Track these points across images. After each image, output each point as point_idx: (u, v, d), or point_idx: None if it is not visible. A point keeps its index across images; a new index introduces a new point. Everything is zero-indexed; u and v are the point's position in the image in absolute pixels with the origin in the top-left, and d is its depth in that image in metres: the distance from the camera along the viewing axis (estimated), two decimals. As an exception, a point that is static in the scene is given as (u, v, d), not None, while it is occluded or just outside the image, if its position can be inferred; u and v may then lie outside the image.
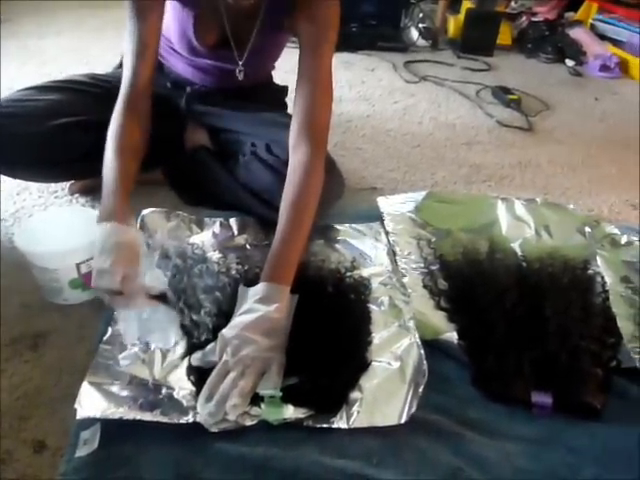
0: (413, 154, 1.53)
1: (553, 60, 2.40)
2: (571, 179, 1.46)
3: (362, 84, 1.99)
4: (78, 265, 0.89)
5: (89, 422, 0.70)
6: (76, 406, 0.70)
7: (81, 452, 0.68)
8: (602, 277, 1.01)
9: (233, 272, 0.94)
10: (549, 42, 2.44)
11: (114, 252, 0.79)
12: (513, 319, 0.88)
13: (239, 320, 0.78)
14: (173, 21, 1.07)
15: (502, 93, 1.91)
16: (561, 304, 0.92)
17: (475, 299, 0.92)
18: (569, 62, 2.37)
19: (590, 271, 1.03)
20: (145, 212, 1.08)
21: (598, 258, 1.06)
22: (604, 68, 2.29)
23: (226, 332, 0.77)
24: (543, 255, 1.04)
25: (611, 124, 1.84)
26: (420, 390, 0.76)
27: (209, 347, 0.77)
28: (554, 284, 0.97)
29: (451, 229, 1.13)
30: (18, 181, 1.21)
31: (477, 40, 2.40)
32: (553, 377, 0.80)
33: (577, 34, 2.47)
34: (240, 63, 1.10)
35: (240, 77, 1.12)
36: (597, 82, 2.24)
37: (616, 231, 1.16)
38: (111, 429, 0.70)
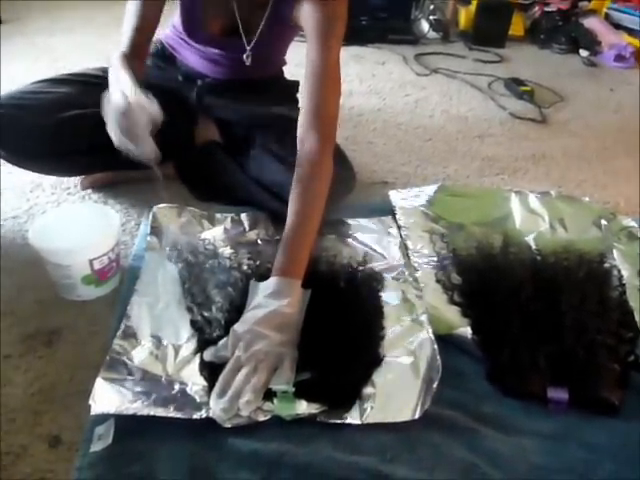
0: (425, 147, 1.51)
1: (567, 50, 2.37)
2: (586, 171, 1.44)
3: (373, 77, 1.98)
4: (91, 261, 0.89)
5: (103, 417, 0.71)
6: (90, 402, 0.71)
7: (96, 447, 0.68)
8: (619, 271, 0.99)
9: (245, 267, 0.94)
10: (562, 32, 2.40)
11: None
12: (528, 313, 0.87)
13: (251, 315, 0.78)
14: (183, 8, 1.08)
15: (515, 85, 1.89)
16: (577, 298, 0.90)
17: (489, 293, 0.91)
18: (583, 52, 2.33)
19: (606, 265, 1.01)
20: (156, 208, 1.08)
21: (614, 251, 1.04)
22: (619, 58, 2.25)
23: (238, 327, 0.77)
24: (558, 249, 1.03)
25: (626, 115, 1.81)
26: (434, 385, 0.76)
27: (221, 342, 0.77)
28: (569, 278, 0.95)
29: (464, 223, 1.12)
30: (31, 178, 1.22)
31: (489, 31, 2.37)
32: (569, 372, 0.79)
33: (591, 24, 2.43)
34: (248, 49, 1.10)
35: (248, 62, 1.11)
36: (612, 72, 2.20)
37: (633, 224, 1.14)
38: (125, 424, 0.70)
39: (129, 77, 0.90)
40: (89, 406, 0.70)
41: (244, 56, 1.11)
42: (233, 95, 1.21)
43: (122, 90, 0.86)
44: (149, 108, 0.86)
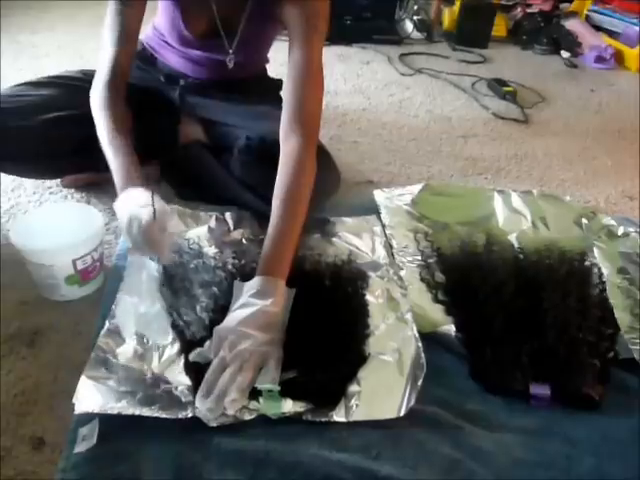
0: (409, 147, 1.52)
1: (548, 52, 2.40)
2: (567, 171, 1.46)
3: (357, 77, 1.98)
4: (74, 261, 0.89)
5: (87, 418, 0.70)
6: (74, 401, 0.70)
7: (80, 448, 0.68)
8: (599, 268, 1.01)
9: (229, 267, 0.93)
10: (544, 33, 2.43)
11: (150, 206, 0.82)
12: (511, 311, 0.88)
13: (235, 315, 0.78)
14: (163, 11, 1.07)
15: (498, 85, 1.91)
16: (558, 296, 0.92)
17: (473, 292, 0.92)
18: (564, 53, 2.36)
19: (587, 263, 1.03)
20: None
21: (595, 250, 1.06)
22: (599, 59, 2.29)
23: (222, 327, 0.76)
24: (540, 247, 1.05)
25: (607, 115, 1.85)
26: (419, 383, 0.76)
27: (207, 343, 0.77)
28: (551, 276, 0.97)
29: (448, 222, 1.13)
30: (12, 177, 1.21)
31: (472, 32, 2.39)
32: (551, 369, 0.80)
33: (572, 25, 2.46)
34: (230, 51, 1.10)
35: (230, 65, 1.11)
36: (593, 73, 2.24)
37: (613, 222, 1.16)
38: (110, 424, 0.70)
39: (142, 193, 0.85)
40: (73, 407, 0.70)
41: (227, 59, 1.11)
42: (216, 95, 1.20)
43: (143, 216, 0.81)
44: (169, 226, 0.85)
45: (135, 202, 0.83)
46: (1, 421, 0.72)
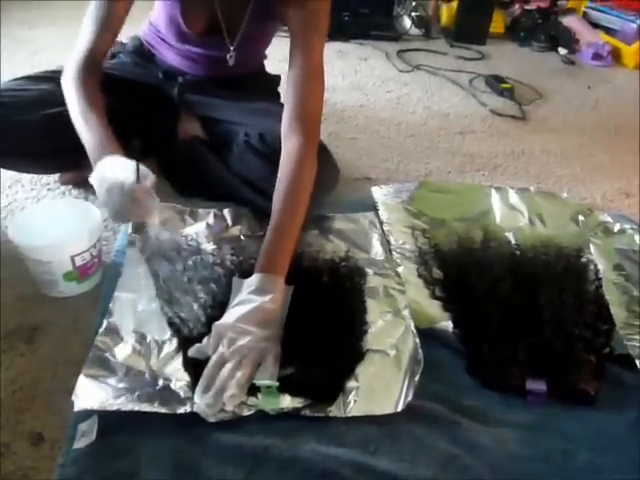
0: (407, 144, 1.52)
1: (546, 48, 2.40)
2: (564, 168, 1.47)
3: (355, 73, 1.98)
4: (73, 258, 0.89)
5: (87, 414, 0.70)
6: (73, 398, 0.70)
7: (79, 444, 0.68)
8: (595, 265, 1.02)
9: (228, 263, 0.94)
10: (542, 30, 2.43)
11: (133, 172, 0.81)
12: (507, 307, 0.89)
13: (234, 311, 0.78)
14: (161, 7, 1.06)
15: (495, 82, 1.91)
16: (555, 292, 0.92)
17: (470, 288, 0.93)
18: (562, 50, 2.36)
19: (583, 259, 1.04)
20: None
21: (591, 246, 1.07)
22: (597, 56, 2.29)
23: (221, 324, 0.77)
24: (537, 244, 1.05)
25: (604, 112, 1.85)
26: (416, 378, 0.77)
27: (205, 339, 0.77)
28: (548, 272, 0.98)
29: (445, 218, 1.13)
30: (10, 174, 1.20)
31: (470, 28, 2.39)
32: (547, 364, 0.81)
33: (570, 22, 2.46)
34: (231, 49, 1.10)
35: (231, 62, 1.11)
36: (590, 70, 2.24)
37: (609, 219, 1.16)
38: (109, 421, 0.70)
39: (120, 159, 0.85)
40: (72, 403, 0.70)
41: (227, 56, 1.10)
42: (215, 91, 1.20)
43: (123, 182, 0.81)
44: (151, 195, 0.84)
45: (113, 169, 0.82)
46: (0, 417, 0.73)
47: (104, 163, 0.84)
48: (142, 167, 0.83)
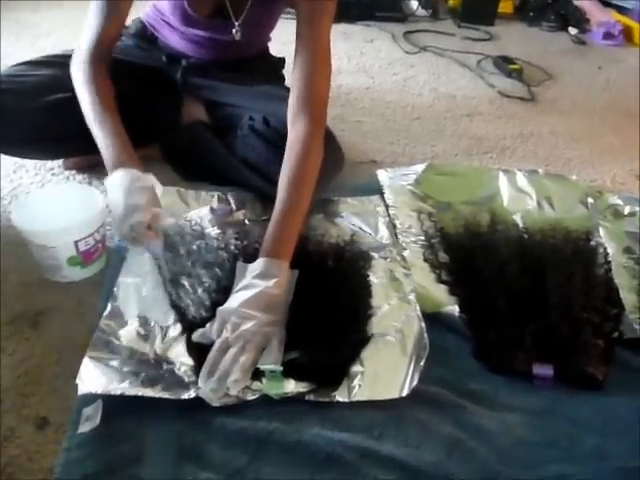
0: (413, 126, 1.50)
1: (556, 28, 2.36)
2: (573, 150, 1.44)
3: (361, 55, 1.96)
4: (76, 242, 0.88)
5: (91, 398, 0.70)
6: (77, 382, 0.70)
7: (84, 428, 0.68)
8: (604, 248, 1.00)
9: (232, 248, 0.93)
10: (552, 10, 2.39)
11: (143, 192, 0.83)
12: (515, 291, 0.88)
13: (238, 296, 0.77)
14: None
15: (504, 63, 1.88)
16: (563, 276, 0.91)
17: (476, 272, 0.92)
18: (572, 30, 2.32)
19: (592, 242, 1.02)
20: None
21: (600, 229, 1.05)
22: (608, 36, 2.25)
23: (225, 308, 0.76)
24: (545, 227, 1.04)
25: (614, 93, 1.82)
26: (421, 363, 0.76)
27: (209, 324, 0.76)
28: (556, 256, 0.96)
29: (452, 202, 1.12)
30: (14, 159, 1.20)
31: (478, 9, 2.35)
32: (555, 349, 0.80)
33: (580, 1, 2.41)
34: (234, 30, 1.08)
35: (237, 37, 1.09)
36: (601, 50, 2.20)
37: (619, 202, 1.14)
38: (113, 405, 0.70)
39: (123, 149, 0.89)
40: (76, 388, 0.70)
41: (233, 35, 1.08)
42: (219, 75, 1.19)
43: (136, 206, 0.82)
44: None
45: (134, 188, 0.83)
46: (5, 401, 0.73)
47: (119, 175, 0.85)
48: (153, 180, 0.86)
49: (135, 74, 1.13)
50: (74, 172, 1.19)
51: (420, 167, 1.22)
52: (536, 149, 1.43)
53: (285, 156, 0.92)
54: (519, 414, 0.75)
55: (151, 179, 0.87)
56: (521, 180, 1.20)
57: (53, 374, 0.77)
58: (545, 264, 0.93)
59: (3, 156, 1.17)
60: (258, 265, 0.81)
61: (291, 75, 0.97)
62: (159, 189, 0.87)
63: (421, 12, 2.39)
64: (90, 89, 0.94)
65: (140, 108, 1.11)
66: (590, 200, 1.14)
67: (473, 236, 1.01)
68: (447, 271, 0.94)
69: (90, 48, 0.97)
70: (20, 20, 2.02)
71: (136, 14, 1.23)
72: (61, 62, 1.09)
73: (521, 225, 1.06)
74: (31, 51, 1.66)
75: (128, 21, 1.23)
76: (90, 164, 1.19)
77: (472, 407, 0.74)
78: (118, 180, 0.85)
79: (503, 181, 1.20)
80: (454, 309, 0.87)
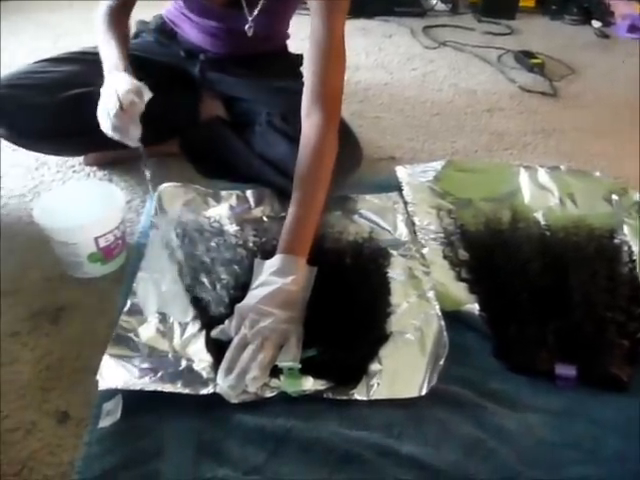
0: (432, 122, 1.49)
1: (579, 22, 2.31)
2: (597, 145, 1.41)
3: (379, 51, 1.94)
4: (97, 239, 0.89)
5: (111, 393, 0.71)
6: (98, 378, 0.71)
7: (104, 423, 0.69)
8: (629, 246, 0.98)
9: (250, 245, 0.93)
10: (574, 3, 2.34)
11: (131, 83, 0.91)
12: (536, 289, 0.86)
13: (255, 293, 0.78)
14: None
15: (525, 57, 1.85)
16: (586, 274, 0.89)
17: (497, 270, 0.91)
18: (595, 23, 2.27)
19: (617, 240, 1.00)
20: (161, 187, 1.08)
21: (625, 227, 1.03)
22: (632, 29, 2.20)
23: (243, 305, 0.76)
24: (568, 224, 1.02)
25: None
26: (441, 362, 0.76)
27: (227, 321, 0.77)
28: (579, 254, 0.94)
29: (472, 198, 1.10)
30: (36, 156, 1.21)
31: (499, 2, 2.32)
32: (578, 348, 0.79)
33: (604, -7, 2.37)
34: (250, 18, 1.08)
35: (249, 33, 1.09)
36: (625, 44, 2.15)
37: (644, 199, 1.12)
38: (133, 400, 0.70)
39: (120, 58, 0.98)
40: (96, 382, 0.71)
41: (246, 27, 1.08)
42: (236, 70, 1.19)
43: (115, 90, 0.90)
44: (140, 104, 0.90)
45: (116, 86, 0.90)
46: (27, 396, 0.74)
47: (111, 78, 0.94)
48: (141, 86, 0.92)
49: (154, 71, 1.13)
50: (95, 169, 1.20)
51: (439, 163, 1.21)
52: (558, 145, 1.41)
53: (299, 152, 0.91)
54: (541, 415, 0.73)
55: (140, 85, 0.92)
56: (543, 176, 1.18)
57: (73, 369, 0.78)
58: (567, 262, 0.92)
59: (26, 154, 1.19)
60: (275, 262, 0.81)
61: (305, 70, 0.97)
62: (147, 94, 0.92)
63: (440, 6, 2.36)
64: (105, 27, 1.04)
65: (159, 105, 1.12)
66: (614, 197, 1.12)
67: (494, 233, 0.99)
68: (467, 269, 0.93)
69: (112, 3, 1.05)
70: (38, 21, 2.04)
71: (157, 12, 1.24)
72: (81, 58, 1.11)
73: (543, 222, 1.04)
74: (53, 50, 1.67)
75: (149, 17, 1.25)
76: (110, 161, 1.20)
77: (493, 407, 0.73)
78: (112, 80, 0.93)
79: (524, 177, 1.18)
80: (474, 307, 0.85)
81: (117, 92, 0.88)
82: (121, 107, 0.87)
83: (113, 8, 1.06)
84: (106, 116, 0.89)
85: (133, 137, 0.91)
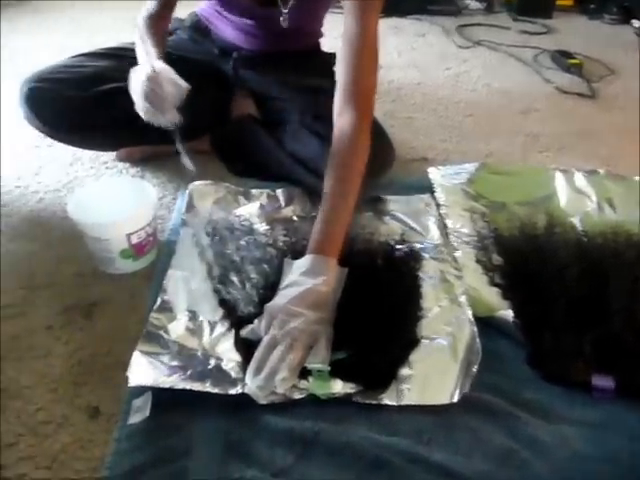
0: (466, 123, 1.46)
1: (618, 21, 2.25)
2: (637, 149, 1.37)
3: (412, 50, 1.92)
4: (128, 235, 0.90)
5: (141, 390, 0.71)
6: (128, 374, 0.71)
7: (133, 419, 0.69)
8: (671, 254, 0.95)
9: (280, 244, 0.93)
10: (614, 2, 2.28)
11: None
12: (573, 297, 0.84)
13: (285, 293, 0.77)
14: None
15: (562, 57, 1.81)
16: (625, 282, 0.86)
17: (532, 275, 0.88)
18: (636, 23, 2.21)
19: (657, 247, 0.96)
20: (192, 185, 1.08)
21: (667, 234, 0.99)
22: (675, 28, 2.13)
23: (272, 305, 0.76)
24: (606, 230, 0.99)
25: (682, 89, 1.72)
26: (473, 369, 0.74)
27: (257, 321, 0.76)
28: (617, 260, 0.91)
29: (506, 202, 1.08)
30: (71, 152, 1.23)
31: (535, 1, 2.27)
32: (616, 359, 0.76)
33: (646, -8, 2.30)
34: (284, 11, 1.07)
35: (285, 25, 1.09)
36: (667, 44, 2.09)
37: (686, 204, 1.08)
38: (162, 397, 0.71)
39: (155, 51, 1.00)
40: (127, 379, 0.71)
41: (281, 19, 1.08)
42: (269, 68, 1.18)
43: (149, 61, 0.94)
44: (174, 78, 0.92)
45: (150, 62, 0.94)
46: (59, 390, 0.75)
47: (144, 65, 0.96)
48: (177, 77, 0.94)
49: (188, 68, 1.14)
50: (127, 165, 1.22)
51: (473, 165, 1.19)
52: (596, 148, 1.37)
53: (331, 150, 0.90)
54: (576, 427, 0.71)
55: (175, 76, 0.94)
56: (580, 180, 1.15)
57: (105, 364, 0.78)
58: (606, 269, 0.89)
59: (62, 149, 1.21)
60: (305, 262, 0.80)
61: (337, 69, 0.96)
62: (184, 84, 0.94)
63: (475, 5, 2.33)
64: (145, 30, 1.05)
65: (192, 102, 1.12)
66: (655, 202, 1.08)
67: (529, 238, 0.97)
68: (500, 274, 0.91)
69: (153, 7, 1.07)
70: (73, 19, 2.08)
71: (192, 9, 1.24)
72: (117, 54, 1.12)
73: (580, 228, 1.01)
74: (90, 47, 1.70)
75: (184, 15, 1.25)
76: (143, 157, 1.21)
77: (526, 417, 0.71)
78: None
79: (560, 181, 1.15)
80: (508, 313, 0.83)
81: (150, 63, 0.93)
82: (154, 70, 0.91)
83: (154, 9, 1.07)
84: (139, 87, 0.92)
85: (166, 111, 0.92)
